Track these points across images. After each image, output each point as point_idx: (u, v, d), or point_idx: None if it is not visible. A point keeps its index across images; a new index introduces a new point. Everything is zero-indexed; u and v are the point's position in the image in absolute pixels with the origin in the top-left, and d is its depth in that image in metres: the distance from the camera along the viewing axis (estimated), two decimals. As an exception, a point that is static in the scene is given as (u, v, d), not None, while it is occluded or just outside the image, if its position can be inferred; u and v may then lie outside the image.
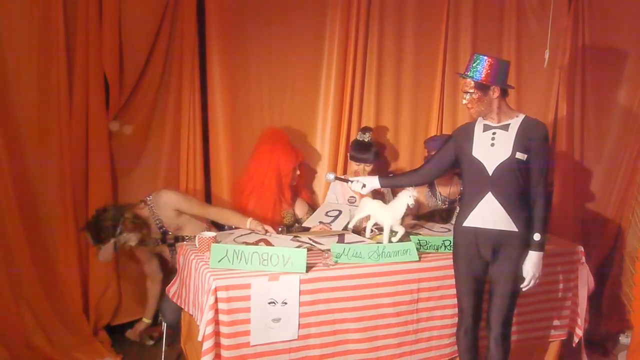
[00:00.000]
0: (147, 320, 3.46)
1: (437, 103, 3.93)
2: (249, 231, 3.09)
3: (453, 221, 3.43)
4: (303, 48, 3.62)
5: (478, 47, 3.81)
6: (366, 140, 3.51)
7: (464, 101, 2.63)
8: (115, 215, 3.02)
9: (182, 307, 2.88)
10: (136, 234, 3.04)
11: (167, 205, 3.12)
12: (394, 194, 3.41)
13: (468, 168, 2.68)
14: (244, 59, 3.55)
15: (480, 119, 2.70)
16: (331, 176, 3.08)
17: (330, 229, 3.23)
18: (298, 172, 3.43)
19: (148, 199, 3.14)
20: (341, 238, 3.06)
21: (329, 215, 3.31)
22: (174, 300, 2.94)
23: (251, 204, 3.35)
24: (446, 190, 3.63)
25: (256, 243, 2.85)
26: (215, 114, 3.55)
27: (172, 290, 2.98)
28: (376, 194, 3.29)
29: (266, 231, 3.06)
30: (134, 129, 3.44)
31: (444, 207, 3.64)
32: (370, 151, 3.48)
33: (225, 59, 3.49)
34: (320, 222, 3.27)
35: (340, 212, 3.32)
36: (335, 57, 3.68)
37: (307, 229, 3.34)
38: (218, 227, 3.27)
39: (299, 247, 2.83)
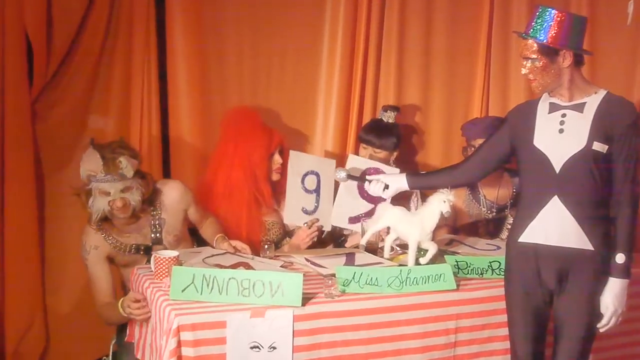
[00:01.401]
0: None
1: (481, 75, 3.95)
2: (224, 250, 3.13)
3: (504, 236, 3.55)
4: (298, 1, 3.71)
5: (539, -2, 3.85)
6: (388, 120, 3.59)
7: (524, 70, 2.63)
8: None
9: (136, 354, 2.91)
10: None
11: (180, 204, 3.18)
12: (423, 198, 3.46)
13: (527, 163, 2.70)
14: (218, 17, 3.59)
15: (545, 95, 2.71)
16: (342, 174, 3.13)
17: (320, 228, 3.29)
18: (280, 161, 3.44)
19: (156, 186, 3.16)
20: (350, 258, 3.06)
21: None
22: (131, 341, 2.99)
23: (223, 216, 3.37)
24: (493, 193, 3.63)
25: (234, 267, 2.87)
26: (177, 91, 3.57)
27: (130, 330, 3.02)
28: (399, 199, 3.32)
29: (236, 251, 3.11)
30: (67, 110, 3.45)
31: (490, 216, 3.65)
32: (392, 135, 3.55)
33: (191, 17, 3.54)
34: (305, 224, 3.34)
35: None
36: (342, 12, 3.73)
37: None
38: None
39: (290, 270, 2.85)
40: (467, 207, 3.64)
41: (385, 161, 3.51)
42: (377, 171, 3.30)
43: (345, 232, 3.53)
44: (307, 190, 3.38)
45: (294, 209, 3.36)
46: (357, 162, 3.40)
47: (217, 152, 3.44)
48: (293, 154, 3.35)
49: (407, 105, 3.90)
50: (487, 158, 2.85)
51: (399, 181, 3.00)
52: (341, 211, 3.41)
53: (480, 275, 2.99)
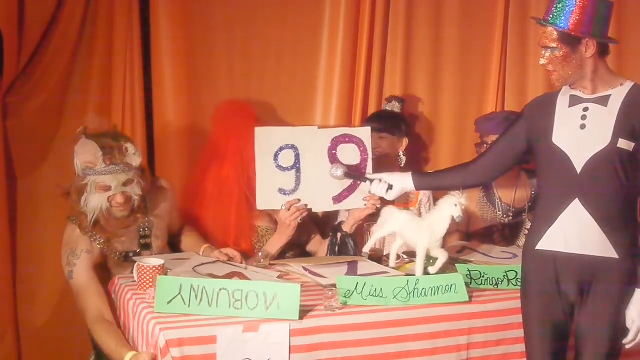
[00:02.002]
0: None
1: (497, 65, 3.98)
2: (215, 259, 3.13)
3: (521, 242, 3.56)
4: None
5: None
6: (393, 109, 3.66)
7: (542, 61, 2.64)
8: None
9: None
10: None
11: (168, 205, 3.19)
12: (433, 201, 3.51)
13: (545, 162, 2.71)
14: (207, 5, 3.62)
15: (565, 88, 2.72)
16: (339, 171, 3.14)
17: (306, 207, 3.24)
18: None
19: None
20: (352, 267, 3.07)
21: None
22: None
23: (210, 218, 3.38)
24: (510, 195, 3.65)
25: (228, 277, 2.87)
26: (163, 85, 3.59)
27: None
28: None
29: (229, 259, 3.11)
30: (41, 105, 3.47)
31: (506, 220, 3.67)
32: (397, 119, 3.60)
33: (178, 5, 3.56)
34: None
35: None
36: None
37: (306, 255, 3.41)
38: None
39: (286, 280, 2.85)
40: (480, 211, 3.66)
41: (393, 150, 3.56)
42: (349, 139, 3.30)
43: (340, 218, 3.52)
44: (282, 168, 3.28)
45: (267, 192, 3.26)
46: (308, 132, 3.34)
47: (206, 149, 3.45)
48: (259, 131, 3.24)
49: (415, 98, 3.93)
50: (502, 156, 2.86)
51: (404, 181, 2.99)
52: (320, 194, 3.32)
53: (495, 286, 3.00)
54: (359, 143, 3.33)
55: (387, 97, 3.75)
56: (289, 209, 3.25)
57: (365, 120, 3.70)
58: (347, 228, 3.38)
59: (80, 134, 2.96)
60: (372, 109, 3.88)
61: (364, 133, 3.35)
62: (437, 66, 3.95)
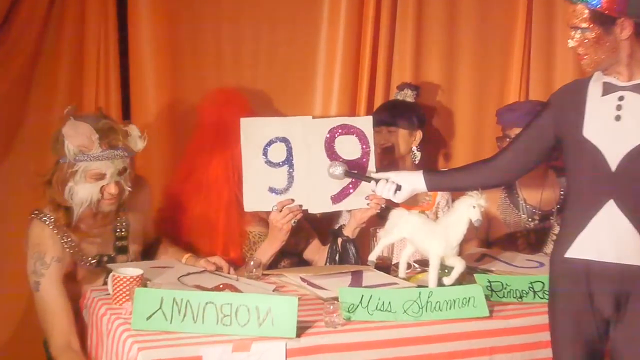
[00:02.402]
0: None
1: (520, 47, 4.00)
2: (202, 268, 3.13)
3: (549, 250, 3.51)
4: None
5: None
6: (405, 99, 3.70)
7: (572, 43, 2.62)
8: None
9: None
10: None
11: (145, 206, 3.20)
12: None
13: (574, 158, 2.71)
14: None
15: (597, 74, 2.70)
16: (338, 169, 3.13)
17: (300, 208, 3.22)
18: None
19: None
20: (356, 278, 3.07)
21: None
22: None
23: (194, 222, 3.37)
24: (536, 197, 3.68)
25: (218, 289, 2.88)
26: (142, 69, 3.59)
27: None
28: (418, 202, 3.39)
29: (217, 268, 3.12)
30: (2, 97, 3.45)
31: (532, 224, 3.68)
32: (410, 111, 3.63)
33: None
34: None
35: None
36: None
37: (303, 264, 3.45)
38: None
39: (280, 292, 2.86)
40: (502, 214, 3.68)
41: (405, 145, 3.58)
42: (348, 130, 3.30)
43: (341, 221, 3.52)
44: (272, 164, 3.26)
45: (256, 191, 3.25)
46: (302, 123, 3.31)
47: (192, 144, 3.44)
48: (245, 122, 3.23)
49: (427, 84, 3.93)
50: (526, 152, 2.85)
51: (414, 181, 2.99)
52: (317, 193, 3.31)
53: (519, 299, 2.99)
54: (360, 135, 3.30)
55: (398, 84, 3.75)
56: (280, 211, 3.23)
57: (374, 112, 3.69)
58: (348, 232, 3.37)
59: (69, 115, 2.88)
60: (379, 97, 3.90)
61: (365, 123, 3.33)
62: (453, 50, 3.98)
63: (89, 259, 3.04)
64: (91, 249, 3.05)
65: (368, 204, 3.26)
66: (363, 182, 3.21)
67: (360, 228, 3.34)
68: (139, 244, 3.18)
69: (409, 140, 3.64)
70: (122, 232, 3.12)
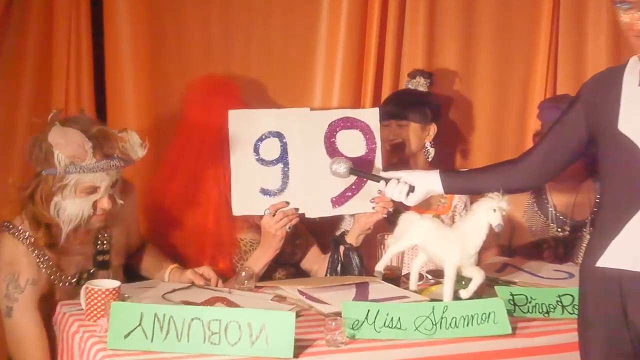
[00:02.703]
0: None
1: (546, 30, 4.03)
2: (188, 284, 3.12)
3: (579, 259, 3.48)
4: None
5: None
6: (417, 88, 3.69)
7: (625, 18, 2.47)
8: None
9: None
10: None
11: (130, 215, 3.18)
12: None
13: (609, 156, 2.63)
14: None
15: (633, 61, 2.60)
16: (342, 167, 3.07)
17: (296, 212, 3.21)
18: None
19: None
20: (362, 291, 3.06)
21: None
22: None
23: (180, 229, 3.37)
24: (568, 203, 3.72)
25: (209, 303, 2.88)
26: (118, 56, 3.60)
27: None
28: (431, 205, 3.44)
29: (206, 281, 3.13)
30: None
31: (561, 234, 3.68)
32: (422, 103, 3.62)
33: None
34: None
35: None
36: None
37: (301, 274, 3.45)
38: None
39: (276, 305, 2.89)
40: (528, 221, 3.70)
41: (418, 140, 3.57)
42: (352, 124, 3.28)
43: (343, 227, 3.52)
44: (264, 162, 3.25)
45: (246, 193, 3.24)
46: (298, 116, 3.29)
47: (176, 140, 3.42)
48: (234, 114, 3.22)
49: (442, 71, 3.96)
50: (555, 151, 2.81)
51: (429, 181, 2.96)
52: (316, 195, 3.29)
53: (546, 315, 2.95)
54: (365, 129, 3.27)
55: (409, 71, 3.76)
56: (274, 215, 3.22)
57: (381, 104, 3.71)
58: (351, 239, 3.33)
59: (54, 120, 2.81)
60: (387, 86, 3.91)
61: (371, 116, 3.30)
62: (470, 30, 4.02)
63: (69, 277, 3.00)
64: (70, 267, 3.01)
65: (373, 208, 3.23)
66: (369, 182, 3.19)
67: (365, 235, 3.32)
68: (121, 257, 3.16)
69: (421, 136, 3.63)
70: (104, 244, 3.08)
